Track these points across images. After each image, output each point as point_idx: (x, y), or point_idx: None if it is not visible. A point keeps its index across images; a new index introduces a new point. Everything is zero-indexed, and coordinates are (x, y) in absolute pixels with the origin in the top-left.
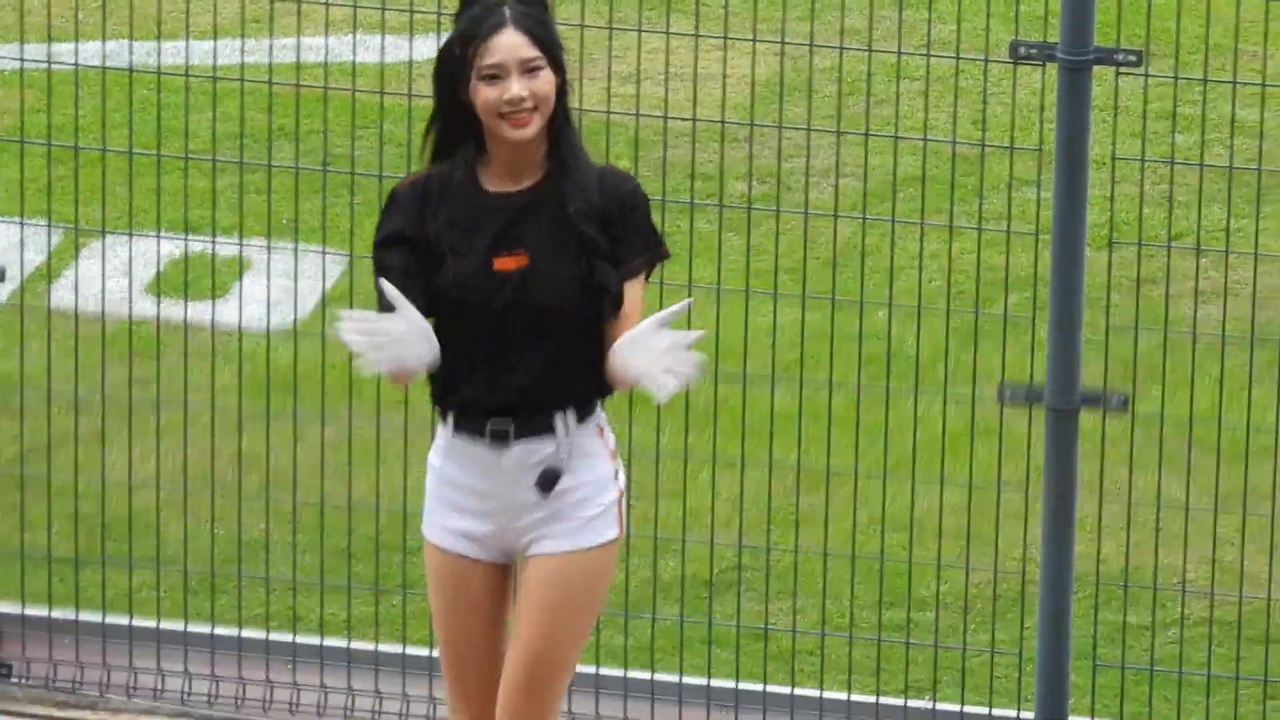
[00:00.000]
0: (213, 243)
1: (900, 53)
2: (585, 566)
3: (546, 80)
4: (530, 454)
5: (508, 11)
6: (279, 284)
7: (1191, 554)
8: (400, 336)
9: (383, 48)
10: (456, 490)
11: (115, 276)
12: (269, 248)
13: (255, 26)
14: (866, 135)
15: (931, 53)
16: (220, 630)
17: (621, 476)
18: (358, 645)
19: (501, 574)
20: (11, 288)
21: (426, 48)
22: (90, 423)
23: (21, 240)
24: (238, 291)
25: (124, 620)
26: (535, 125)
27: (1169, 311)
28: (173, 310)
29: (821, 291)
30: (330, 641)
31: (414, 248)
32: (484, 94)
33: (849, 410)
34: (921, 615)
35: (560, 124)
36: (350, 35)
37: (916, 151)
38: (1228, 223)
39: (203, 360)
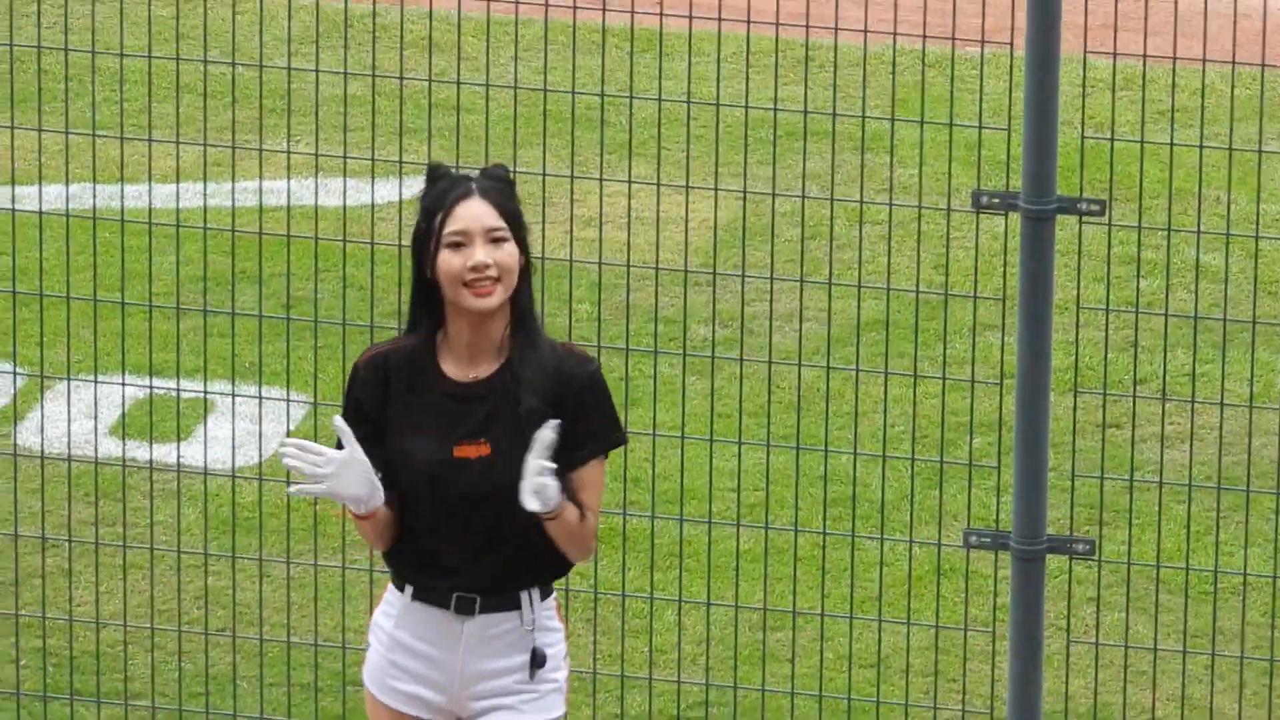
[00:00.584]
0: (177, 386)
1: (863, 201)
2: None
3: (510, 253)
4: (492, 625)
5: (474, 184)
6: (243, 426)
7: (1160, 692)
8: (338, 469)
9: (344, 191)
10: (409, 655)
11: (80, 419)
12: (233, 391)
13: (217, 170)
14: (830, 283)
15: (893, 200)
16: None
17: (568, 662)
18: None
19: None
20: None
21: (388, 191)
22: (56, 560)
23: None
24: (202, 433)
25: None
26: (498, 296)
27: (1134, 455)
28: (138, 451)
29: (785, 435)
30: None
31: (373, 423)
32: (447, 262)
33: (814, 551)
34: None
35: (523, 308)
36: (312, 179)
37: (880, 296)
38: (1193, 368)
39: (168, 500)
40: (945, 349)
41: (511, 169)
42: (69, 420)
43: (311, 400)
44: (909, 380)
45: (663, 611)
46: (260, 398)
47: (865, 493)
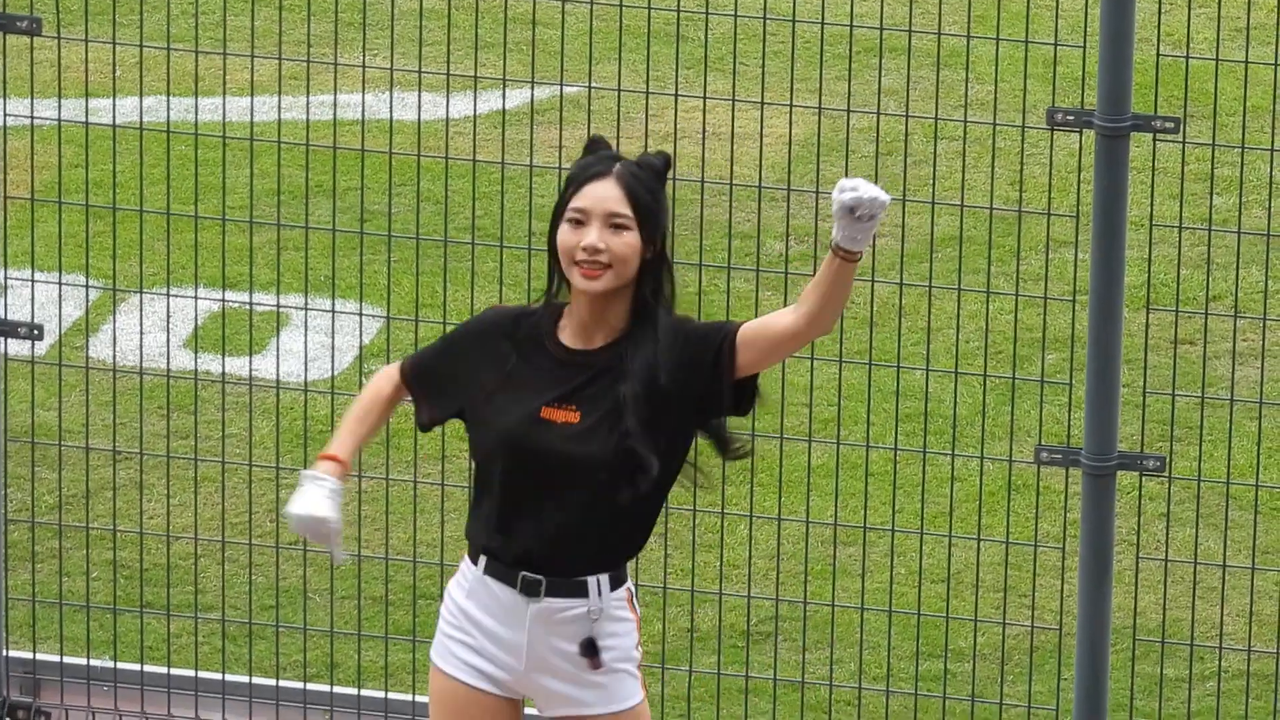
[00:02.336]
0: (250, 299)
1: (937, 118)
2: None
3: (628, 242)
4: (558, 610)
5: (617, 166)
6: (316, 339)
7: (1229, 607)
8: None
9: (419, 105)
10: (477, 629)
11: (153, 332)
12: (306, 304)
13: (293, 84)
14: (905, 199)
15: (968, 117)
16: (258, 680)
17: (640, 650)
18: (395, 695)
19: (513, 708)
20: (50, 342)
21: (464, 105)
22: (128, 473)
23: (60, 295)
24: (275, 347)
25: (162, 669)
26: (604, 282)
27: (1206, 372)
28: (210, 364)
29: (859, 350)
30: (367, 691)
31: (464, 366)
32: (564, 236)
33: (886, 466)
34: (958, 667)
35: (646, 297)
36: (387, 93)
37: (954, 213)
38: (1265, 285)
39: (240, 413)
40: (1019, 265)
41: (587, 84)
42: (142, 333)
43: (385, 314)
44: (982, 296)
45: (734, 526)
46: (334, 311)
47: (938, 408)
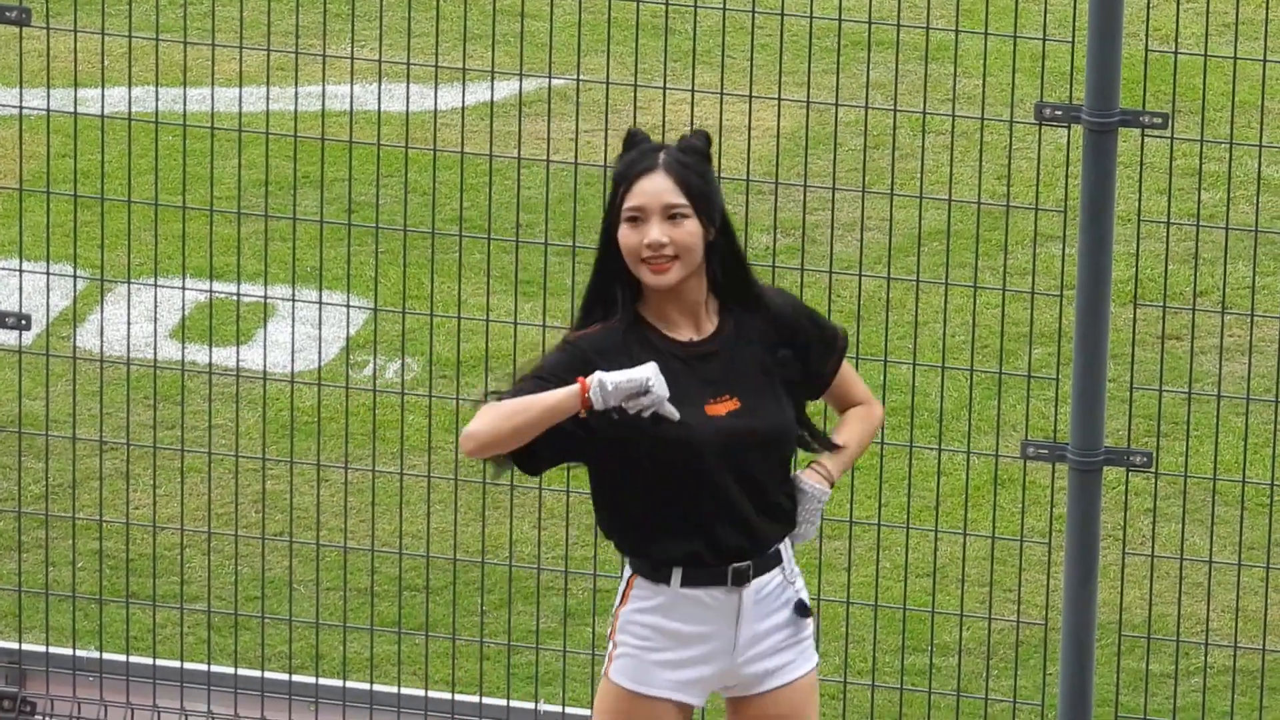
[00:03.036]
0: (238, 290)
1: (925, 112)
2: (813, 686)
3: (690, 230)
4: (762, 587)
5: (662, 156)
6: (302, 330)
7: (1215, 603)
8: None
9: (407, 97)
10: (680, 644)
11: (140, 322)
12: (293, 295)
13: (280, 75)
14: (892, 193)
15: (956, 111)
16: (244, 671)
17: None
18: (380, 687)
19: (689, 714)
20: (37, 331)
21: (451, 96)
22: (115, 463)
23: (48, 285)
24: (262, 337)
25: (147, 660)
26: (675, 274)
27: (1193, 367)
28: (197, 355)
29: None
30: (353, 684)
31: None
32: (626, 237)
33: (872, 460)
34: (944, 662)
35: (723, 272)
36: (375, 84)
37: (941, 207)
38: (1252, 280)
39: (227, 404)
40: (1006, 259)
41: (574, 76)
42: (129, 323)
43: (372, 305)
44: (969, 290)
45: None
46: (320, 303)
47: (924, 402)
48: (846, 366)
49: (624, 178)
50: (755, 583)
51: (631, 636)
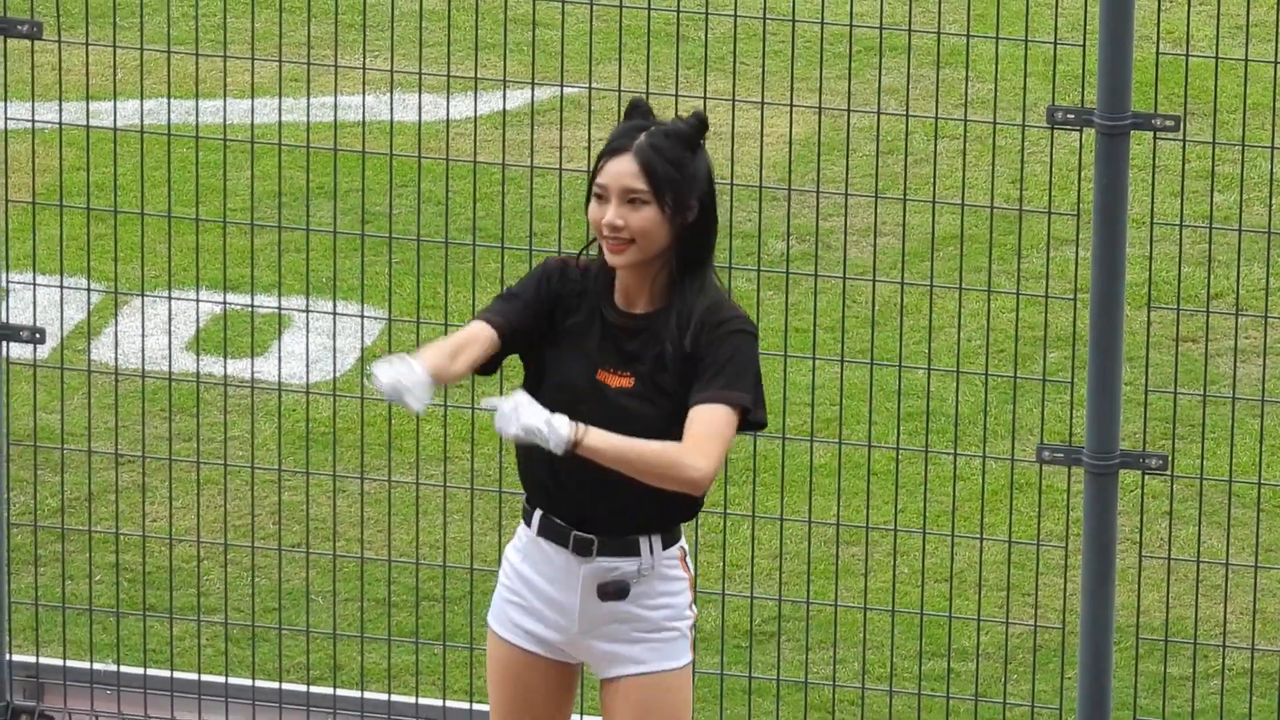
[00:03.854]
0: (252, 301)
1: (938, 117)
2: (669, 686)
3: (647, 217)
4: (610, 570)
5: (640, 138)
6: (318, 341)
7: (1232, 605)
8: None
9: (420, 106)
10: (531, 592)
11: (155, 334)
12: (308, 306)
13: (293, 85)
14: (905, 198)
15: (969, 116)
16: (261, 683)
17: (694, 609)
18: (398, 698)
19: (568, 673)
20: (52, 345)
21: (464, 106)
22: (131, 476)
23: (61, 298)
24: (277, 349)
25: (165, 672)
26: (629, 257)
27: (1208, 370)
28: (213, 367)
29: (860, 350)
30: (371, 694)
31: (532, 315)
32: (592, 211)
33: (888, 465)
34: (962, 666)
35: (684, 261)
36: (388, 94)
37: (955, 211)
38: (1266, 282)
39: (243, 415)
40: (1020, 264)
41: (587, 84)
42: (144, 336)
43: (386, 316)
44: (984, 295)
45: (737, 526)
46: (335, 313)
47: (940, 407)
48: (705, 414)
49: (602, 152)
50: (603, 562)
51: (503, 575)
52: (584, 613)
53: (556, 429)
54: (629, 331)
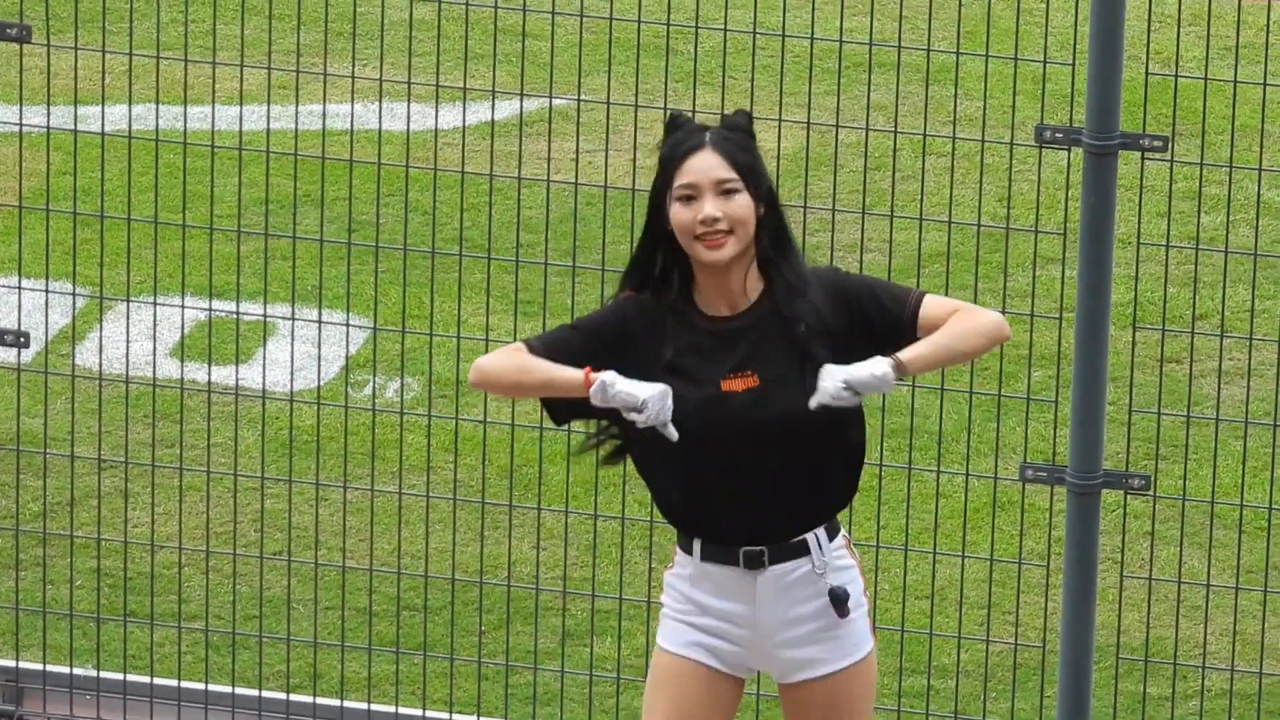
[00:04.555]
0: (237, 308)
1: (926, 134)
2: (856, 679)
3: (743, 204)
4: (785, 574)
5: (708, 135)
6: (302, 349)
7: (1213, 626)
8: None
9: (408, 116)
10: (707, 614)
11: (139, 340)
12: (293, 314)
13: (281, 93)
14: (892, 215)
15: (957, 133)
16: (241, 690)
17: (869, 593)
18: (378, 707)
19: (736, 687)
20: (36, 349)
21: (452, 116)
22: (114, 481)
23: (47, 302)
24: (261, 356)
25: (145, 678)
26: (731, 248)
27: (1192, 391)
28: (197, 373)
29: None
30: (350, 703)
31: (604, 352)
32: (679, 215)
33: (871, 482)
34: (942, 684)
35: (772, 246)
36: (376, 103)
37: (942, 228)
38: (1251, 304)
39: (226, 422)
40: (1006, 281)
41: (576, 96)
42: (128, 341)
43: (372, 325)
44: None
45: None
46: (320, 321)
47: (923, 424)
48: (930, 305)
49: (672, 158)
50: (775, 569)
51: (670, 599)
52: (763, 620)
53: (882, 376)
54: (734, 334)
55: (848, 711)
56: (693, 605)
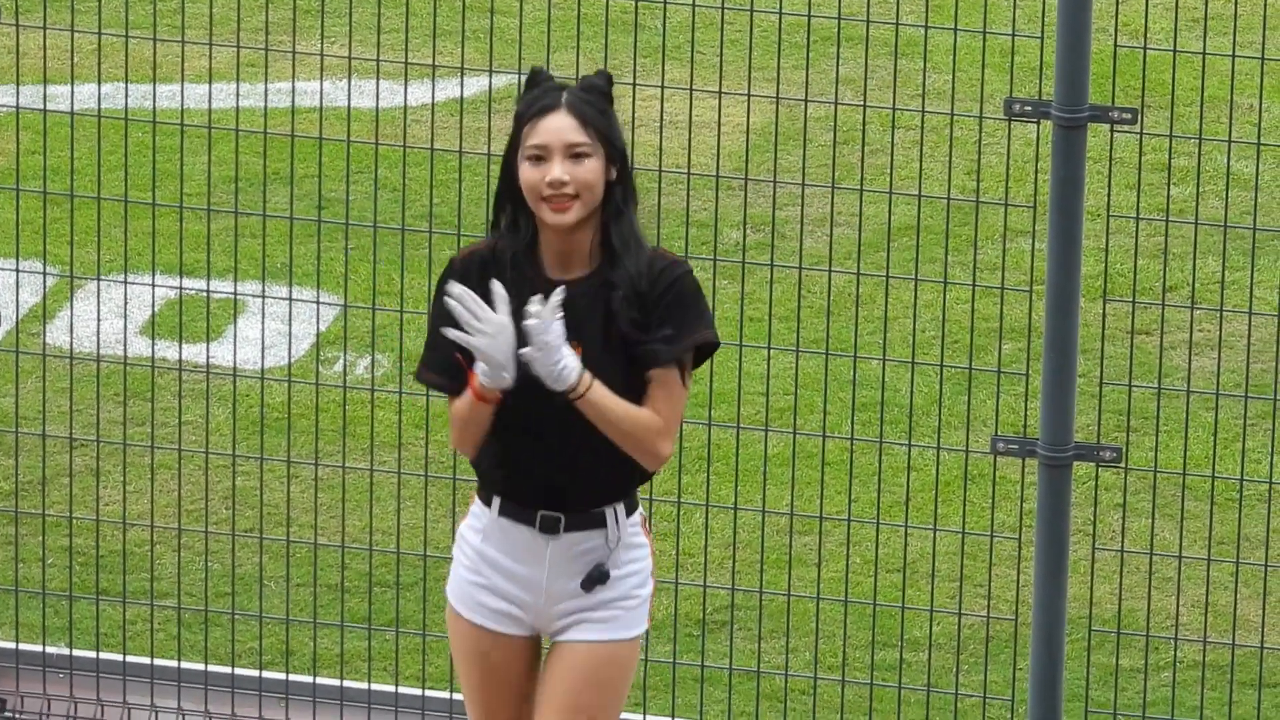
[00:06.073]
0: (207, 286)
1: (895, 108)
2: (615, 658)
3: (591, 169)
4: (577, 544)
5: (565, 95)
6: (273, 327)
7: (1185, 598)
8: (494, 331)
9: (377, 93)
10: (496, 572)
11: (110, 318)
12: (264, 292)
13: (250, 71)
14: (862, 188)
15: (926, 107)
16: (214, 667)
17: (654, 577)
18: (350, 683)
19: (533, 647)
20: (7, 328)
21: (421, 93)
22: (85, 460)
23: (17, 282)
24: (232, 334)
25: (118, 656)
26: (575, 213)
27: (1163, 362)
28: (167, 351)
29: (815, 340)
30: (323, 680)
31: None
32: (527, 175)
33: (842, 456)
34: (914, 657)
35: (614, 214)
36: (345, 80)
37: (911, 202)
38: (1221, 275)
39: (197, 400)
40: (976, 255)
41: (546, 72)
42: (99, 320)
43: (342, 302)
44: (939, 286)
45: (690, 515)
46: (290, 299)
47: (894, 398)
48: (668, 376)
49: (525, 115)
50: (568, 537)
51: (460, 554)
52: (550, 589)
53: (570, 368)
54: (571, 299)
55: (597, 684)
56: (483, 562)
